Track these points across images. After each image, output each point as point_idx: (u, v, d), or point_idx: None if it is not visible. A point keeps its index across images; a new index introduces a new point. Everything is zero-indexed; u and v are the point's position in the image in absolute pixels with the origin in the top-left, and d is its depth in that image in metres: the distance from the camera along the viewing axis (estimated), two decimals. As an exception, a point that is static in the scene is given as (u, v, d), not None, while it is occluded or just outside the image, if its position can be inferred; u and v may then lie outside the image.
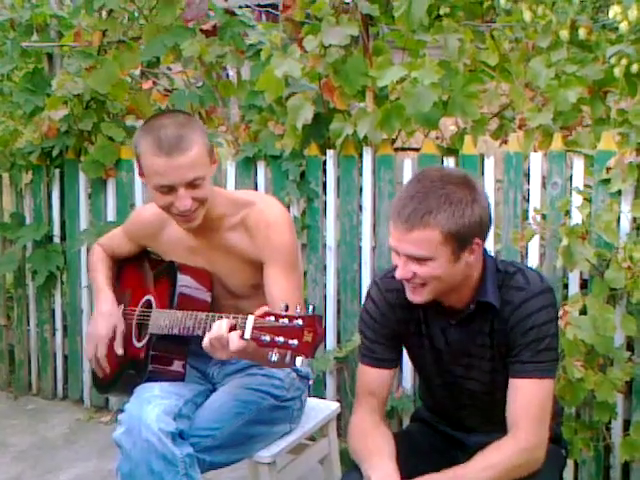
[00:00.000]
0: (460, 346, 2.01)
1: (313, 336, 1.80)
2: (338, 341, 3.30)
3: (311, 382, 2.49)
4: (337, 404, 2.63)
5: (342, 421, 3.11)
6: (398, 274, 1.88)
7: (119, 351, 2.33)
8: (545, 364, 1.92)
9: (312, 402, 2.54)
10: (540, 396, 1.91)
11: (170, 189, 2.11)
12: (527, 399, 1.90)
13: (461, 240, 1.84)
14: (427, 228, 1.81)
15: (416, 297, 1.92)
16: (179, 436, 2.10)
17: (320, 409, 2.56)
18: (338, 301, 3.30)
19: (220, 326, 1.93)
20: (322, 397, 3.05)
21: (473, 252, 1.88)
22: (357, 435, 2.02)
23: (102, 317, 2.37)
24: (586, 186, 2.80)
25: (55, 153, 3.68)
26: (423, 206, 1.81)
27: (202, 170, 2.12)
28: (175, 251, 2.34)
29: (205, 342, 1.96)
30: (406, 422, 3.13)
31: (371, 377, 2.08)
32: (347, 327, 3.26)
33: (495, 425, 2.01)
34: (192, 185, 2.11)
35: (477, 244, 1.88)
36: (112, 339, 2.33)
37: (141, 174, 2.19)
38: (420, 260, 1.84)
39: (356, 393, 2.14)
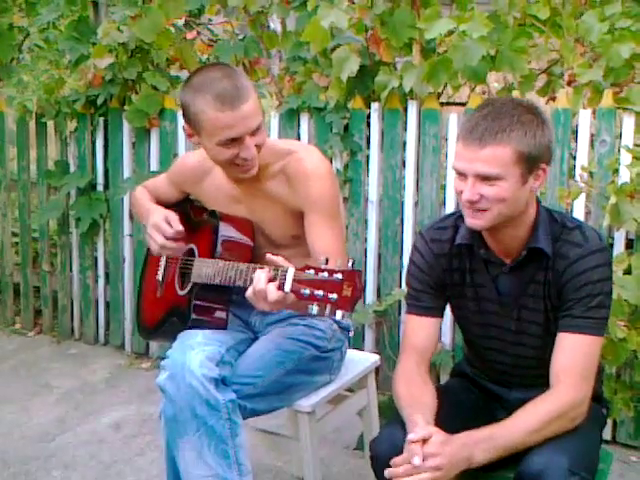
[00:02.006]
0: (512, 296, 1.99)
1: (352, 291, 1.79)
2: (378, 295, 3.30)
3: (351, 334, 2.50)
4: (377, 356, 2.65)
5: (380, 375, 3.14)
6: (465, 196, 1.84)
7: (178, 227, 2.27)
8: (595, 321, 1.89)
9: (352, 354, 2.55)
10: (587, 352, 1.89)
11: (235, 140, 2.11)
12: (574, 354, 1.89)
13: (530, 162, 1.83)
14: (500, 145, 1.80)
15: (477, 221, 1.89)
16: (222, 382, 2.12)
17: (360, 361, 2.57)
18: (379, 255, 3.30)
19: (259, 279, 1.93)
20: (361, 350, 3.06)
21: (538, 178, 1.88)
22: (402, 382, 2.03)
23: (156, 212, 2.35)
24: (636, 145, 2.76)
25: (100, 101, 3.70)
26: (496, 124, 1.81)
27: (260, 115, 2.14)
28: (217, 199, 2.34)
29: (248, 293, 1.97)
30: (444, 377, 3.14)
31: (417, 326, 2.08)
32: (387, 281, 3.26)
33: (539, 382, 2.01)
34: (255, 132, 2.12)
35: (543, 170, 1.88)
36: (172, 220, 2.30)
37: (191, 135, 2.18)
38: (490, 179, 1.82)
39: (402, 344, 2.14)
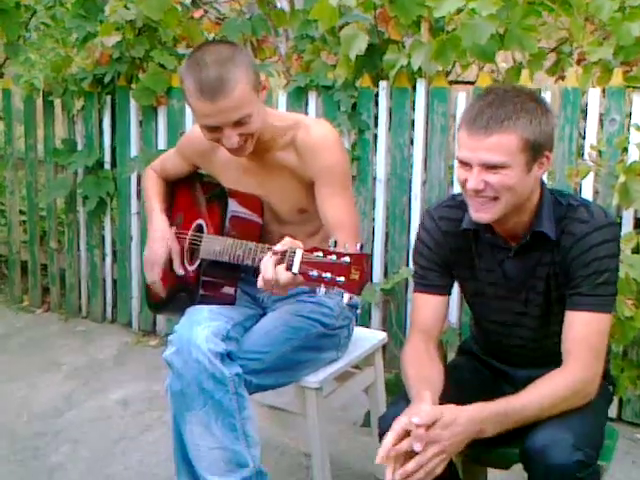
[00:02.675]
0: (519, 279, 1.99)
1: (360, 274, 1.79)
2: (385, 273, 3.31)
3: (359, 311, 2.50)
4: (384, 334, 2.65)
5: (387, 352, 3.14)
6: (470, 185, 1.83)
7: (179, 272, 2.35)
8: (603, 298, 1.89)
9: (359, 331, 2.56)
10: (597, 330, 1.88)
11: (216, 128, 2.12)
12: (583, 332, 1.88)
13: (535, 149, 1.82)
14: (506, 132, 1.79)
15: (484, 214, 1.88)
16: (227, 357, 2.13)
17: (367, 338, 2.58)
18: (386, 234, 3.30)
19: (267, 267, 1.91)
20: (367, 328, 3.07)
21: (542, 166, 1.87)
22: (410, 362, 2.02)
23: (156, 240, 2.40)
24: (645, 123, 2.74)
25: (107, 80, 3.70)
26: (501, 112, 1.79)
27: (248, 108, 2.10)
28: (227, 171, 2.35)
29: (259, 284, 1.96)
30: (451, 355, 3.14)
31: (424, 305, 2.08)
32: (394, 260, 3.26)
33: (545, 361, 2.01)
34: (238, 123, 2.11)
35: (547, 157, 1.87)
36: (169, 261, 2.36)
37: (188, 102, 2.19)
38: (495, 168, 1.81)
39: (410, 322, 2.15)
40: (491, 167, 1.81)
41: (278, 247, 1.91)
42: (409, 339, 2.08)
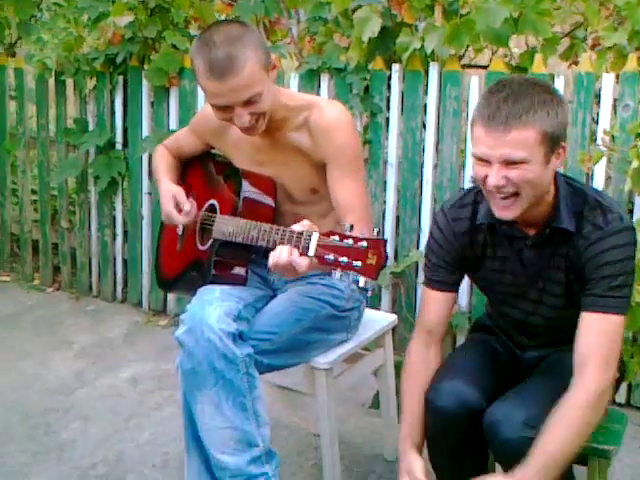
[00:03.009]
0: (536, 268, 1.99)
1: (377, 259, 1.80)
2: (395, 257, 3.31)
3: (370, 293, 2.51)
4: (394, 316, 2.66)
5: (397, 335, 3.16)
6: (492, 181, 1.81)
7: (186, 208, 2.34)
8: (618, 300, 1.88)
9: (370, 313, 2.57)
10: (610, 332, 1.88)
11: (227, 107, 2.12)
12: (598, 336, 1.87)
13: (553, 141, 1.82)
14: (525, 127, 1.77)
15: (507, 212, 1.87)
16: (239, 337, 2.15)
17: (377, 320, 2.59)
18: (397, 217, 3.31)
19: (281, 252, 1.93)
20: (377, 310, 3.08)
21: (559, 157, 1.87)
22: (408, 373, 2.10)
23: (164, 197, 2.40)
24: (659, 109, 2.74)
25: (119, 60, 3.70)
26: (519, 106, 1.78)
27: (257, 87, 2.10)
28: (240, 150, 2.35)
29: (270, 263, 1.97)
30: (460, 340, 3.16)
31: (430, 300, 2.13)
32: (405, 243, 3.27)
33: (552, 342, 2.07)
34: (249, 102, 2.11)
35: (563, 148, 1.87)
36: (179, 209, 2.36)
37: (198, 82, 2.19)
38: (516, 163, 1.80)
39: (417, 318, 2.19)
40: (511, 163, 1.80)
41: (296, 227, 1.92)
42: (414, 337, 2.15)
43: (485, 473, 2.09)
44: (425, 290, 2.14)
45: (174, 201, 2.37)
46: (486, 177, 1.83)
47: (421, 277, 2.21)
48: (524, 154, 1.79)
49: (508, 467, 1.87)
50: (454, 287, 2.13)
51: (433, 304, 2.12)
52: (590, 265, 1.90)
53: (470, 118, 1.88)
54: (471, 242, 2.05)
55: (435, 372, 2.07)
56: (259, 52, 2.11)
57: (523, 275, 2.02)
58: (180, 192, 2.38)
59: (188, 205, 2.35)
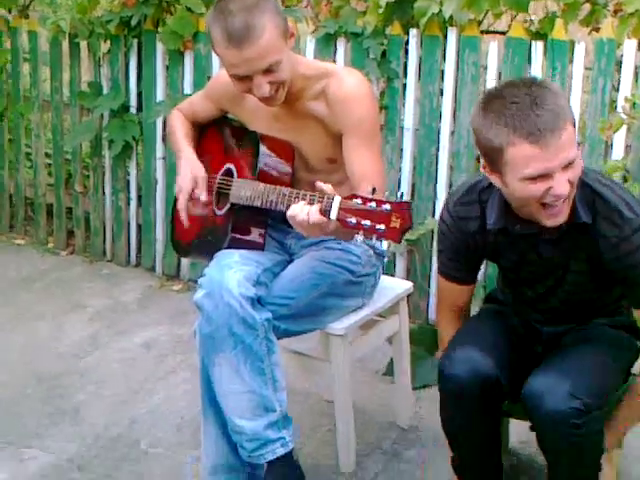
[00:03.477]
0: (554, 259, 1.98)
1: (401, 222, 1.77)
2: (410, 224, 3.29)
3: (386, 259, 2.50)
4: (410, 283, 2.66)
5: (411, 303, 3.15)
6: (561, 190, 1.76)
7: (202, 197, 2.32)
8: None
9: (385, 280, 2.57)
10: None
11: (246, 77, 2.10)
12: None
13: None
14: (566, 126, 1.75)
15: (559, 217, 1.83)
16: (258, 302, 2.15)
17: (392, 287, 2.58)
18: (413, 185, 3.29)
19: (302, 209, 1.92)
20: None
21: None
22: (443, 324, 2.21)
23: (184, 167, 2.38)
24: (681, 77, 2.70)
25: (134, 23, 3.65)
26: (549, 110, 1.74)
27: (276, 54, 2.08)
28: (257, 117, 2.32)
29: (289, 213, 1.96)
30: (474, 309, 3.14)
31: (448, 289, 2.17)
32: (420, 210, 3.25)
33: (568, 319, 2.07)
34: (268, 71, 2.09)
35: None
36: (193, 193, 2.34)
37: (216, 52, 2.17)
38: (570, 163, 1.78)
39: (437, 298, 2.25)
40: (569, 164, 1.77)
41: (319, 184, 1.90)
42: (439, 311, 2.24)
43: (498, 442, 2.10)
44: (441, 279, 2.16)
45: (193, 184, 2.34)
46: (547, 190, 1.77)
47: (436, 244, 2.19)
48: (575, 150, 1.78)
49: (549, 440, 1.89)
50: (468, 281, 2.16)
51: (451, 292, 2.16)
52: (615, 264, 1.90)
53: (490, 145, 1.80)
54: (483, 242, 2.03)
55: (449, 341, 2.07)
56: (277, 19, 2.08)
57: (542, 266, 2.01)
58: (204, 180, 2.34)
59: (205, 196, 2.33)
